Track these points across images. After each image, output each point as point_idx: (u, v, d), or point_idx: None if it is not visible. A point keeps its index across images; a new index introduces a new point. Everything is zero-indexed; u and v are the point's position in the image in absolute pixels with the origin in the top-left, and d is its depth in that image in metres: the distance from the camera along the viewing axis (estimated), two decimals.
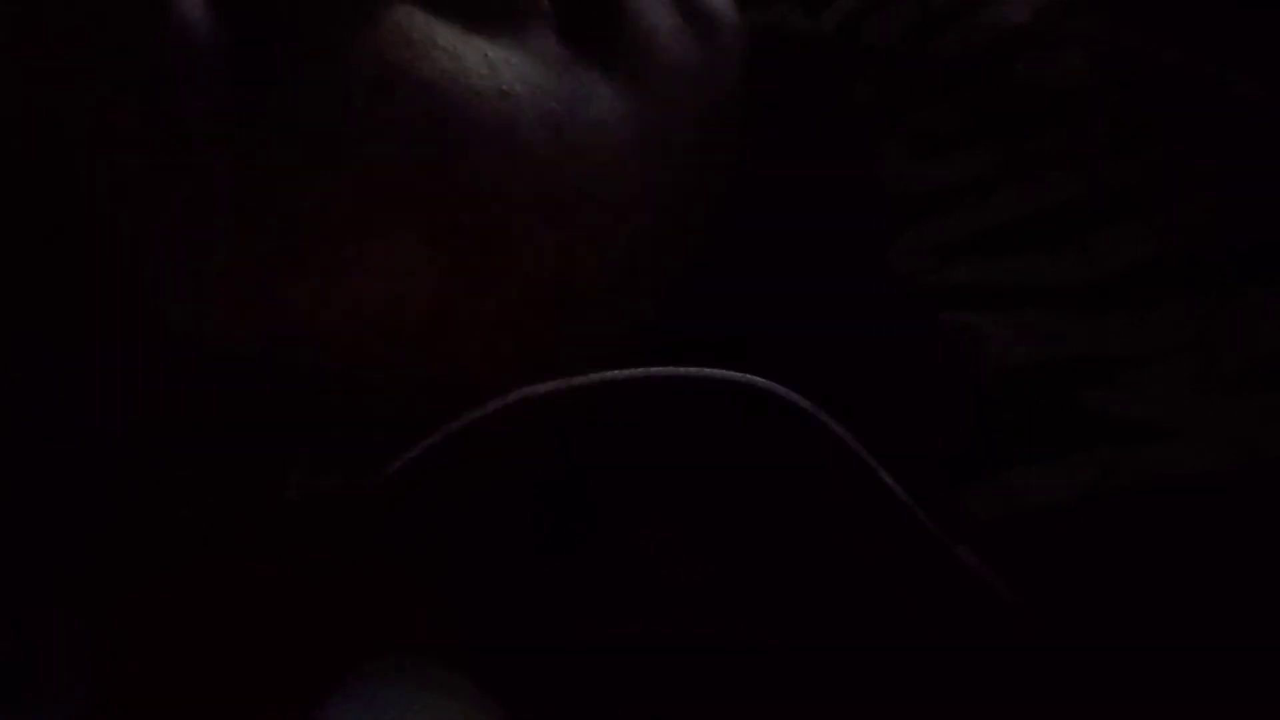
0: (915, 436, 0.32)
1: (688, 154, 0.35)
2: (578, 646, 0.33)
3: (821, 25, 0.40)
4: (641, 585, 0.33)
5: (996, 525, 0.31)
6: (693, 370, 0.32)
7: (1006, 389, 0.32)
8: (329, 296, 0.32)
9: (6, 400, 0.32)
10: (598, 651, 0.33)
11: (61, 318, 0.32)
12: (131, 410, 0.33)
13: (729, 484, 0.34)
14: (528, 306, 0.33)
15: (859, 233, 0.36)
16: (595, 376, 0.33)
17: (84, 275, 0.32)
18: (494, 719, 0.31)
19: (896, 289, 0.35)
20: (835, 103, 0.39)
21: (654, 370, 0.32)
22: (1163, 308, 0.32)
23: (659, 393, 0.32)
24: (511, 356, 0.34)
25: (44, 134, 0.31)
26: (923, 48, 0.38)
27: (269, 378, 0.33)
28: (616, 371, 0.33)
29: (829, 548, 0.32)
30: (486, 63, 0.32)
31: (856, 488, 0.31)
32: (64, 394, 0.33)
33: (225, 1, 0.32)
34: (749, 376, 0.31)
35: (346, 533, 0.35)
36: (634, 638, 0.32)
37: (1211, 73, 0.35)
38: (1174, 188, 0.34)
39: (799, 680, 0.30)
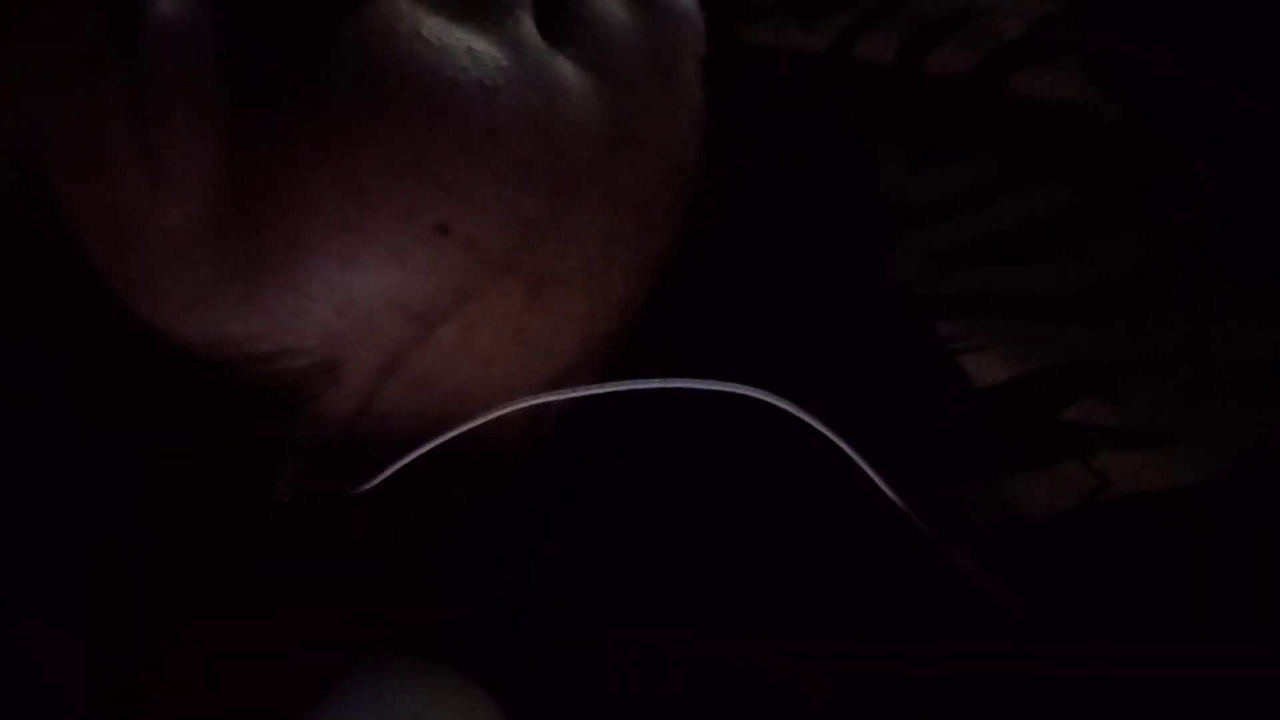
0: (912, 444, 0.32)
1: (655, 149, 0.35)
2: (577, 646, 0.33)
3: (817, 39, 0.41)
4: (639, 588, 0.33)
5: (994, 531, 0.31)
6: (689, 380, 0.32)
7: (1002, 397, 0.33)
8: (318, 295, 0.32)
9: (4, 404, 0.32)
10: (596, 651, 0.33)
11: (44, 324, 0.32)
12: (121, 413, 0.33)
13: (727, 490, 0.34)
14: (507, 305, 0.33)
15: (856, 243, 0.36)
16: (589, 387, 0.33)
17: (61, 280, 0.32)
18: (493, 718, 0.31)
19: (893, 298, 0.35)
20: (831, 116, 0.39)
21: (650, 381, 0.32)
22: (1158, 316, 0.32)
23: (656, 402, 0.33)
24: (494, 354, 0.34)
25: (23, 146, 0.31)
26: (918, 62, 0.39)
27: (256, 378, 0.33)
28: (612, 383, 0.33)
29: (826, 552, 0.32)
30: (470, 55, 0.32)
31: (854, 493, 0.31)
32: (57, 398, 0.33)
33: None
34: (747, 387, 0.31)
35: (340, 532, 0.35)
36: (633, 637, 0.32)
37: (1208, 83, 0.35)
38: (1170, 196, 0.34)
39: (797, 680, 0.30)
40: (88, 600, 0.32)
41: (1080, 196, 0.35)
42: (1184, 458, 0.31)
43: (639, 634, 0.32)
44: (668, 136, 0.35)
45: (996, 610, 0.30)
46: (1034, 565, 0.30)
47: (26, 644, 0.31)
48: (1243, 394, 0.31)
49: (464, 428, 0.33)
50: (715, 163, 0.37)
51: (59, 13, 0.31)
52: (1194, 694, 0.28)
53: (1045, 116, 0.36)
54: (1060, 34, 0.37)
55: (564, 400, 0.34)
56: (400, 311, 0.32)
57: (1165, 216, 0.34)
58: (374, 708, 0.31)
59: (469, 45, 0.32)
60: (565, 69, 0.33)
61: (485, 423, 0.33)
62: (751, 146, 0.38)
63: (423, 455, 0.33)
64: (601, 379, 0.34)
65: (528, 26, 0.33)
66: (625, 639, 0.32)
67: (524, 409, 0.33)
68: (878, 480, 0.31)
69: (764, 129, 0.38)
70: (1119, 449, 0.31)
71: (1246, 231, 0.33)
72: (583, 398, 0.33)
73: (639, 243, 0.35)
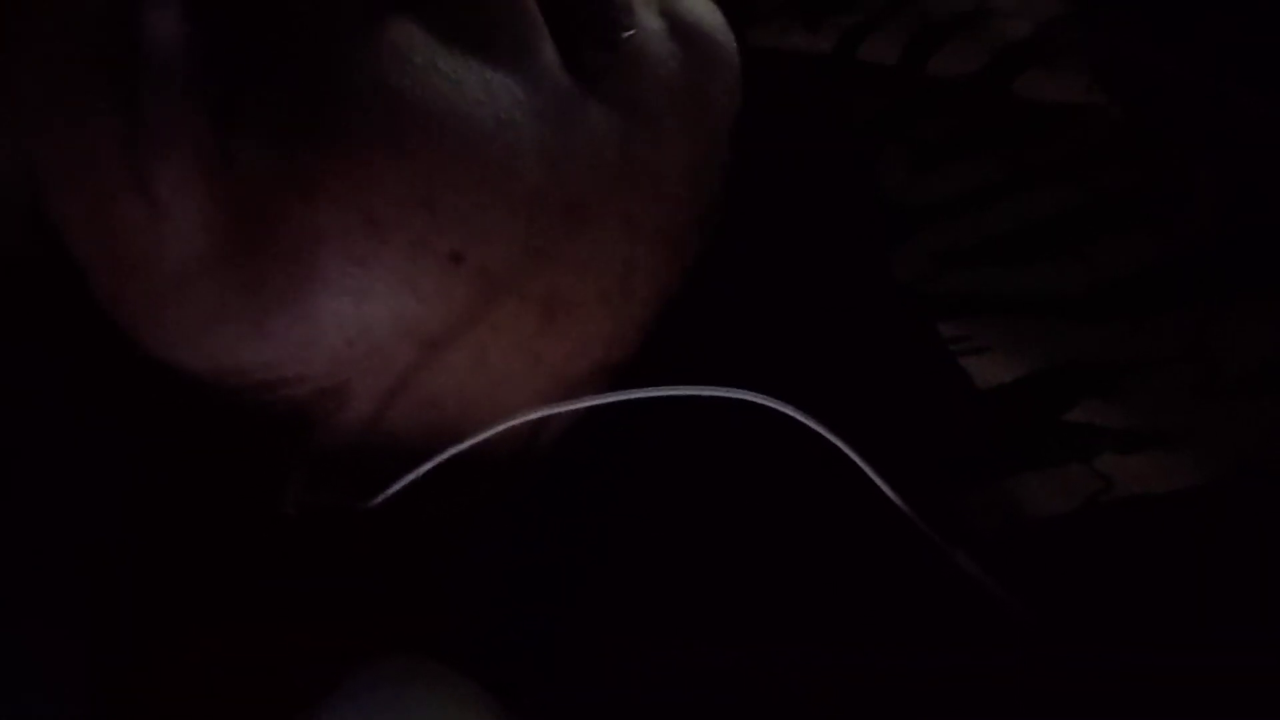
0: (915, 444, 0.32)
1: (677, 180, 0.35)
2: (582, 654, 0.33)
3: (821, 41, 0.41)
4: (643, 594, 0.33)
5: (996, 532, 0.31)
6: (690, 387, 0.32)
7: (1005, 398, 0.32)
8: (328, 325, 0.32)
9: (10, 410, 0.33)
10: (601, 658, 0.33)
11: (46, 337, 0.32)
12: (125, 423, 0.33)
13: (731, 495, 0.34)
14: (520, 330, 0.33)
15: (858, 244, 0.36)
16: (592, 398, 0.33)
17: (63, 298, 0.32)
18: (493, 719, 0.31)
19: (897, 298, 0.35)
20: (835, 117, 0.39)
21: (651, 390, 0.32)
22: (1160, 316, 0.32)
23: (658, 408, 0.33)
24: (505, 376, 0.34)
25: (22, 176, 0.31)
26: (923, 64, 0.39)
27: (262, 402, 0.33)
28: (614, 393, 0.33)
29: (830, 556, 0.32)
30: (485, 87, 0.32)
31: (858, 497, 0.31)
32: (62, 406, 0.33)
33: (204, 21, 0.31)
34: (749, 392, 0.31)
35: (346, 545, 0.35)
36: (634, 639, 0.32)
37: (1212, 84, 0.35)
38: (1172, 197, 0.34)
39: (802, 686, 0.30)
40: (88, 604, 0.32)
41: (1083, 198, 0.34)
42: (1187, 459, 0.30)
43: (643, 640, 0.32)
44: (695, 168, 0.35)
45: (1000, 613, 0.29)
46: (1037, 567, 0.30)
47: (27, 645, 0.31)
48: (1245, 394, 0.31)
49: (471, 442, 0.33)
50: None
51: (51, 46, 0.31)
52: (1197, 697, 0.28)
53: (1049, 118, 0.36)
54: (1065, 36, 0.37)
55: (566, 415, 0.34)
56: (411, 338, 0.32)
57: (1167, 217, 0.34)
58: (375, 707, 0.31)
59: (485, 77, 0.32)
60: (587, 103, 0.33)
61: (482, 440, 0.33)
62: (755, 148, 0.38)
63: (428, 470, 0.33)
64: (606, 389, 0.34)
65: (548, 58, 0.33)
66: (630, 646, 0.32)
67: (522, 427, 0.33)
68: (880, 484, 0.31)
69: (767, 131, 0.38)
70: (1122, 450, 0.31)
71: (1248, 232, 0.33)
72: (587, 406, 0.33)
73: (659, 270, 0.35)
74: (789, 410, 0.31)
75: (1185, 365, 0.31)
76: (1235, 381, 0.31)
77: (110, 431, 0.33)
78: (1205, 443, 0.30)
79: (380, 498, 0.33)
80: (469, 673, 0.32)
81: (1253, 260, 0.32)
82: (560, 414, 0.34)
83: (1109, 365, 0.32)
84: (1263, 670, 0.28)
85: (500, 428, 0.33)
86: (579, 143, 0.33)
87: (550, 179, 0.32)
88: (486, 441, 0.33)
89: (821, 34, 0.41)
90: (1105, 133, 0.35)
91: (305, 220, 0.31)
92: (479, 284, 0.32)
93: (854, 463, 0.31)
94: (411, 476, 0.33)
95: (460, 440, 0.33)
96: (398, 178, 0.31)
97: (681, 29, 0.35)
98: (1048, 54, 0.37)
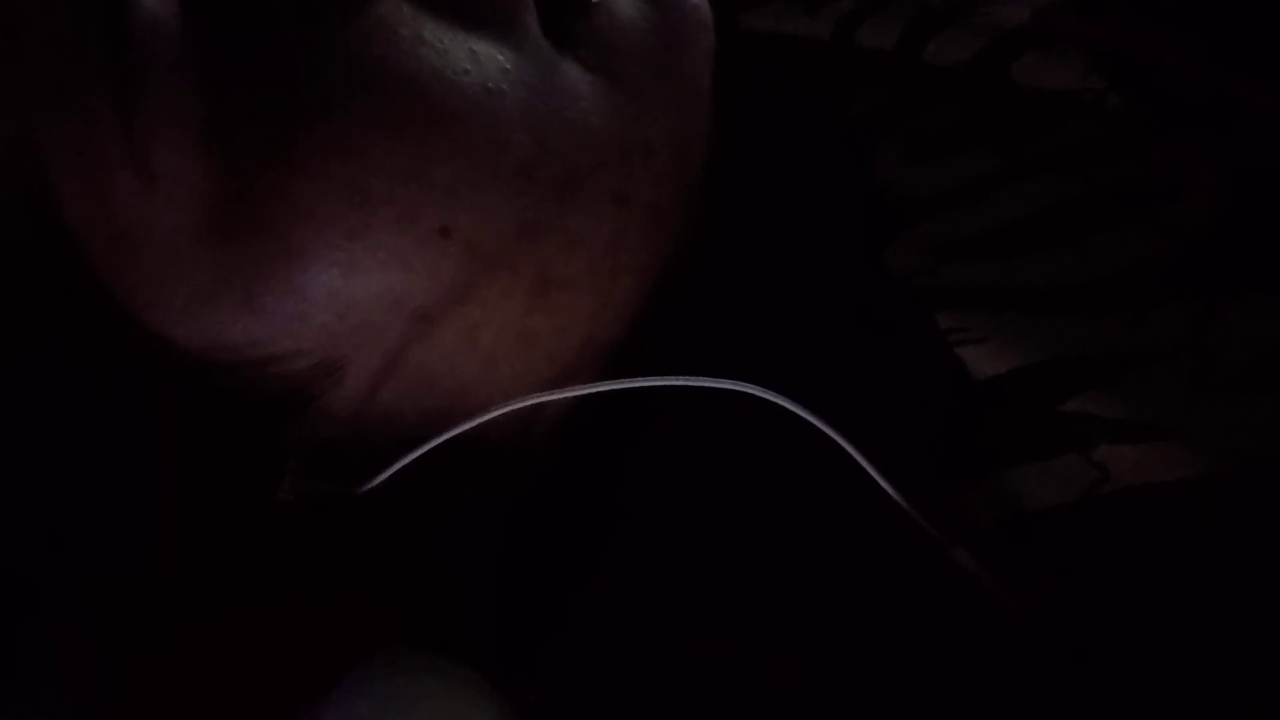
0: (911, 438, 0.32)
1: (667, 152, 0.35)
2: (582, 643, 0.33)
3: (818, 26, 0.40)
4: (642, 585, 0.33)
5: (993, 527, 0.31)
6: (685, 378, 0.32)
7: (1003, 389, 0.32)
8: (319, 300, 0.32)
9: (8, 407, 0.32)
10: (601, 647, 0.33)
11: (45, 325, 0.32)
12: (123, 413, 0.33)
13: (727, 487, 0.34)
14: (510, 307, 0.33)
15: (854, 235, 0.36)
16: (587, 386, 0.33)
17: (63, 284, 0.32)
18: (499, 712, 0.32)
19: (892, 291, 0.35)
20: (832, 104, 0.39)
21: (647, 380, 0.32)
22: (1161, 310, 0.32)
23: (654, 400, 0.33)
24: (496, 355, 0.34)
25: (22, 157, 0.31)
26: (920, 49, 0.38)
27: (257, 380, 0.33)
28: (610, 381, 0.33)
29: (825, 551, 0.32)
30: (472, 58, 0.32)
31: (854, 489, 0.31)
32: (58, 399, 0.33)
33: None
34: (744, 383, 0.31)
35: (345, 531, 0.35)
36: (637, 633, 0.32)
37: (1211, 75, 0.35)
38: (1173, 190, 0.34)
39: (798, 683, 0.30)
40: (93, 599, 0.32)
41: (1081, 190, 0.34)
42: (1184, 451, 0.30)
43: (643, 630, 0.32)
44: (679, 138, 0.35)
45: (997, 606, 0.30)
46: (1035, 560, 0.30)
47: (28, 644, 0.31)
48: (1245, 388, 0.31)
49: (466, 425, 0.33)
50: (713, 153, 0.36)
51: (46, 25, 0.31)
52: (1193, 691, 0.28)
53: (1046, 107, 0.36)
54: (1063, 23, 0.37)
55: (561, 404, 0.34)
56: (401, 312, 0.32)
57: (1166, 210, 0.33)
58: (385, 699, 0.31)
59: (472, 48, 0.32)
60: (572, 72, 0.33)
61: (478, 425, 0.33)
62: (749, 137, 0.37)
63: (425, 455, 0.33)
64: (601, 379, 0.34)
65: (533, 29, 0.33)
66: (630, 635, 0.32)
67: (517, 414, 0.33)
68: (877, 476, 0.31)
69: (762, 118, 0.38)
70: (1119, 441, 0.31)
71: (1248, 225, 0.33)
72: (583, 397, 0.33)
73: (648, 245, 0.35)
74: (785, 403, 0.31)
75: (1183, 359, 0.31)
76: (1233, 375, 0.31)
77: (110, 428, 0.33)
78: (1202, 435, 0.30)
79: (376, 480, 0.33)
80: (471, 664, 0.33)
81: (1252, 254, 0.32)
82: (556, 401, 0.34)
83: (1107, 358, 0.32)
84: (1257, 664, 0.28)
85: (496, 412, 0.33)
86: (567, 113, 0.33)
87: (539, 151, 0.32)
88: (482, 427, 0.33)
89: (818, 18, 0.40)
90: (1103, 125, 0.35)
91: (293, 194, 0.31)
92: (468, 258, 0.32)
93: (850, 455, 0.31)
94: (407, 459, 0.33)
95: (455, 425, 0.33)
96: (385, 151, 0.31)
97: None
98: (1044, 40, 0.37)
